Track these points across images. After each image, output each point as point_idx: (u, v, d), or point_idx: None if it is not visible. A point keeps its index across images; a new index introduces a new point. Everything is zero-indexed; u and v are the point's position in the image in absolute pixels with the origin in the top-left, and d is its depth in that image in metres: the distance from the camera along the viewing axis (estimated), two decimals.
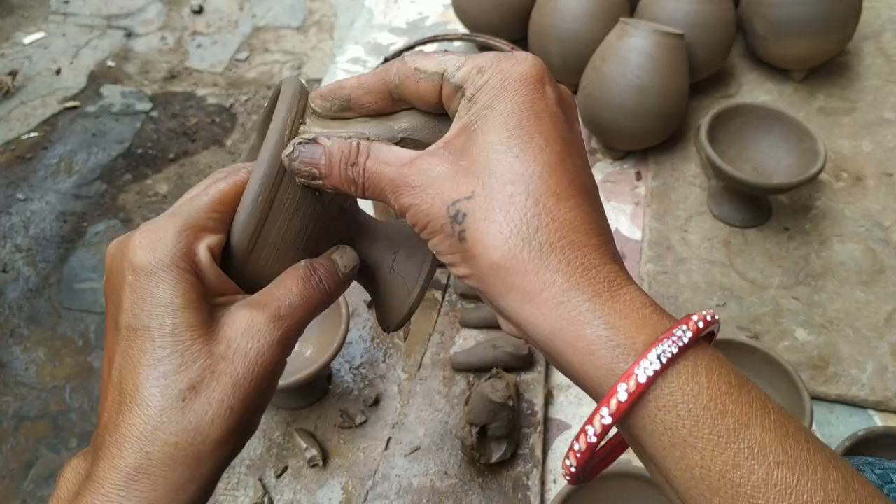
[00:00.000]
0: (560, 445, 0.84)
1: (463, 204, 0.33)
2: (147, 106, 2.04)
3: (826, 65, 1.22)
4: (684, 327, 0.30)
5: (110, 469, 0.33)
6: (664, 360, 0.29)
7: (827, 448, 0.30)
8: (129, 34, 2.26)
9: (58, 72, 2.13)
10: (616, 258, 0.33)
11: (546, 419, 0.85)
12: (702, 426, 0.29)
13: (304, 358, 0.82)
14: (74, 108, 2.04)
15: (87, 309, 1.59)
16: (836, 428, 0.88)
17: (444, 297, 0.95)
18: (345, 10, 2.30)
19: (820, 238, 1.03)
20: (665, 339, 0.29)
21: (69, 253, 1.69)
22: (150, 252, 0.34)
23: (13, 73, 2.11)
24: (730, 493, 0.28)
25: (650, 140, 1.09)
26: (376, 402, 0.85)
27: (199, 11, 2.32)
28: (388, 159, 0.35)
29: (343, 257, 0.40)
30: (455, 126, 0.35)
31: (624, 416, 0.30)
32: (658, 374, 0.29)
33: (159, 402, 0.33)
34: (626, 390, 0.29)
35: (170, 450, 0.33)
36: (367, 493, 0.79)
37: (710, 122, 0.99)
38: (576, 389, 0.88)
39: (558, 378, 0.89)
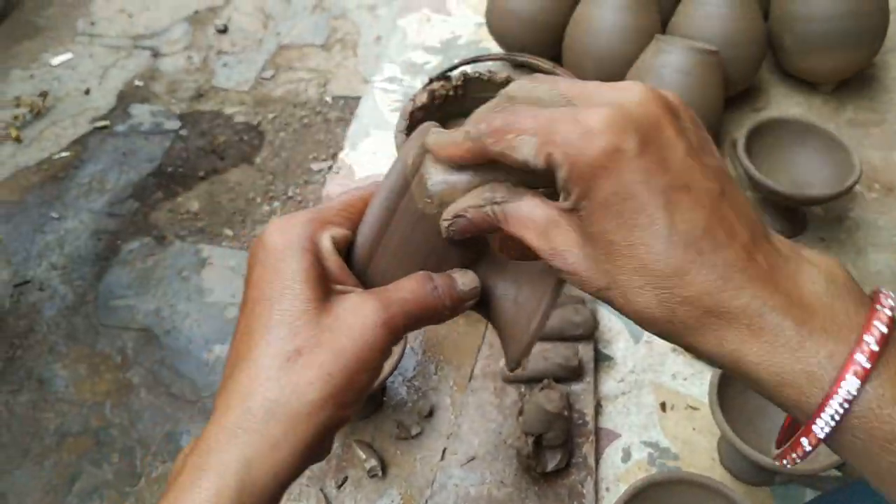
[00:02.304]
0: (611, 454, 0.86)
1: (604, 293, 0.34)
2: (176, 125, 2.07)
3: (854, 77, 1.24)
4: (877, 327, 0.31)
5: (215, 425, 0.36)
6: (853, 393, 0.30)
7: None
8: (156, 54, 2.30)
9: (87, 92, 2.17)
10: (765, 238, 0.34)
11: (597, 429, 0.87)
12: None
13: None
14: (104, 127, 2.07)
15: (125, 326, 1.62)
16: None
17: None
18: (367, 27, 2.34)
19: (855, 248, 1.05)
20: (857, 351, 0.30)
21: (104, 270, 1.72)
22: (281, 234, 0.39)
23: (43, 94, 2.15)
24: None
25: None
26: (430, 413, 0.88)
27: (224, 31, 2.36)
28: (525, 224, 0.36)
29: (463, 277, 0.41)
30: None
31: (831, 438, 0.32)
32: (854, 400, 0.30)
33: (266, 362, 0.36)
34: (823, 427, 0.31)
35: (269, 405, 0.35)
36: (426, 502, 0.81)
37: (746, 137, 1.01)
38: (624, 400, 0.91)
39: (607, 388, 0.92)
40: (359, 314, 0.37)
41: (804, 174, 1.04)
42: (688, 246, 0.32)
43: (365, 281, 0.41)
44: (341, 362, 0.36)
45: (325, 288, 0.38)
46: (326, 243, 0.39)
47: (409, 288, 0.39)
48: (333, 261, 0.40)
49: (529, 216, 0.36)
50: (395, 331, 0.38)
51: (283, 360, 0.36)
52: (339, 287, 0.39)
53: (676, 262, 0.32)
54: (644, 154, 0.32)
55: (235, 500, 0.34)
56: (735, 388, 0.82)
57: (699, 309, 0.32)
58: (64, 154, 1.99)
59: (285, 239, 0.39)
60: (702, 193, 0.33)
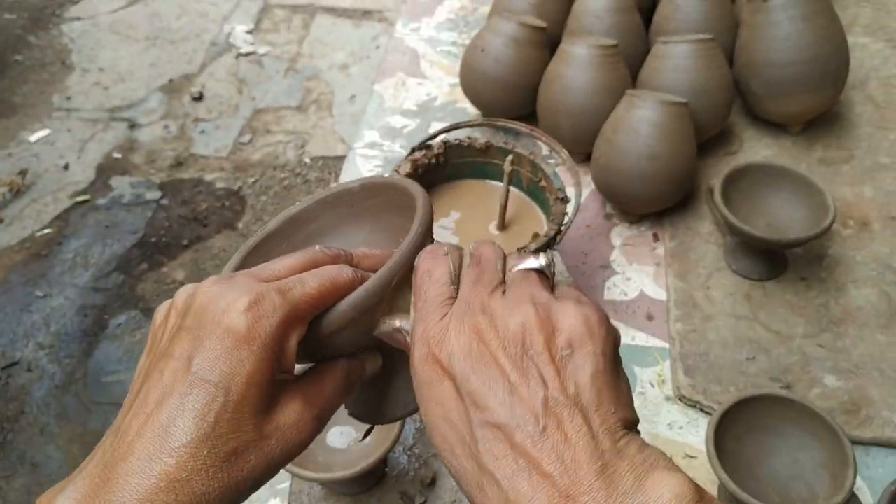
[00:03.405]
0: None
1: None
2: (156, 194, 2.09)
3: (821, 117, 1.28)
4: None
5: (131, 494, 0.34)
6: None
7: None
8: (133, 125, 2.33)
9: (66, 167, 2.18)
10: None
11: None
12: None
13: (364, 445, 0.85)
14: (85, 201, 2.09)
15: (117, 402, 1.61)
16: (874, 470, 0.91)
17: None
18: (341, 87, 2.38)
19: (836, 285, 1.07)
20: None
21: (93, 347, 1.72)
22: (253, 325, 0.38)
23: (22, 172, 2.16)
24: None
25: (664, 203, 1.14)
26: (433, 481, 0.88)
27: (200, 98, 2.39)
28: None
29: (372, 365, 0.46)
30: None
31: None
32: None
33: (205, 460, 0.36)
34: None
35: (192, 500, 0.35)
36: None
37: (721, 184, 1.04)
38: None
39: None
40: (298, 432, 0.40)
41: (781, 217, 1.07)
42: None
43: (306, 348, 0.43)
44: (270, 470, 0.39)
45: (272, 386, 0.39)
46: (292, 347, 0.40)
47: (337, 392, 0.44)
48: (291, 357, 0.40)
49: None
50: (322, 423, 0.42)
51: (221, 460, 0.36)
52: (281, 376, 0.40)
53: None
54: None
55: None
56: (732, 436, 0.83)
57: None
58: (46, 231, 2.00)
59: (257, 335, 0.38)
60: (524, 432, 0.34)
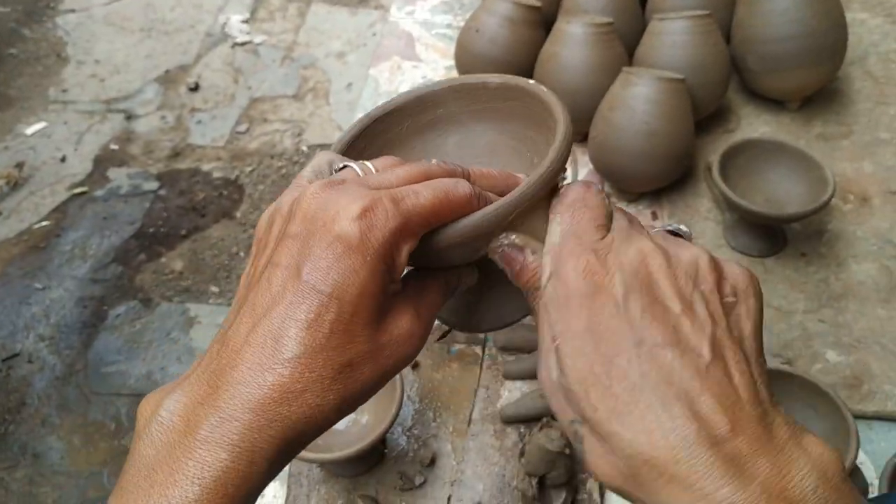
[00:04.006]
0: None
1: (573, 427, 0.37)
2: (154, 185, 2.08)
3: (819, 93, 1.27)
4: None
5: (242, 403, 0.34)
6: None
7: None
8: (130, 116, 2.31)
9: (63, 159, 2.17)
10: (759, 420, 0.33)
11: None
12: None
13: (362, 426, 0.85)
14: (83, 193, 2.07)
15: (117, 392, 1.61)
16: (877, 444, 0.90)
17: (484, 352, 0.98)
18: (338, 75, 2.36)
19: (836, 260, 1.07)
20: None
21: (92, 338, 1.71)
22: (365, 234, 0.35)
23: (19, 165, 2.15)
24: None
25: (662, 181, 1.13)
26: (432, 461, 0.88)
27: (196, 88, 2.38)
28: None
29: (467, 279, 0.45)
30: None
31: None
32: None
33: (320, 371, 0.35)
34: None
35: (307, 412, 0.35)
36: None
37: (720, 161, 1.03)
38: None
39: None
40: (411, 343, 0.39)
41: (780, 192, 1.06)
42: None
43: (418, 258, 0.41)
44: (384, 380, 0.38)
45: (384, 297, 0.38)
46: (403, 259, 0.38)
47: (438, 302, 0.42)
48: (401, 269, 0.38)
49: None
50: (428, 333, 0.41)
51: (336, 371, 0.35)
52: (392, 286, 0.39)
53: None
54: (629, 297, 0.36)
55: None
56: None
57: (663, 475, 0.32)
58: (44, 223, 1.99)
59: (369, 245, 0.35)
60: (687, 356, 0.34)
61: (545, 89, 0.47)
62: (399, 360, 0.39)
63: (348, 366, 0.36)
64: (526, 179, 0.41)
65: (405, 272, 0.42)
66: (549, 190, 0.42)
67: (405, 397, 0.93)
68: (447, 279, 0.44)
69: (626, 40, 1.21)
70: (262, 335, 0.35)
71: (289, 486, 0.87)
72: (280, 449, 0.34)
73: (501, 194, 0.41)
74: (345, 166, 0.42)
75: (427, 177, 0.40)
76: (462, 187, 0.39)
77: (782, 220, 1.00)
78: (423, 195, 0.38)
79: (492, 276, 0.46)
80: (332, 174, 0.42)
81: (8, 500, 1.46)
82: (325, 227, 0.36)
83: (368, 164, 0.42)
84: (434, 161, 0.43)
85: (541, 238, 0.41)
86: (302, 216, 0.37)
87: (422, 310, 0.41)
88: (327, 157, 0.44)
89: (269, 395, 0.34)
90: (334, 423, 0.37)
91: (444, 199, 0.38)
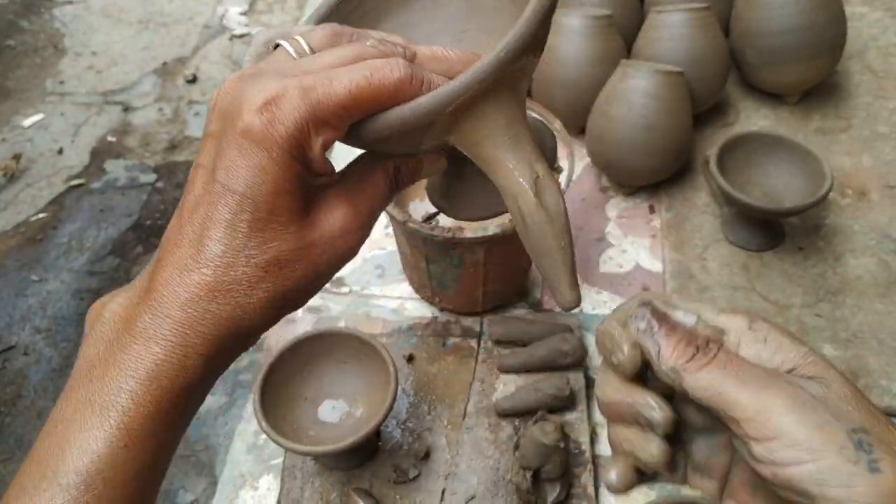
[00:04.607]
0: None
1: (864, 435, 0.33)
2: (151, 177, 2.07)
3: (818, 86, 1.26)
4: None
5: (171, 301, 0.34)
6: None
7: None
8: (127, 108, 2.31)
9: (60, 151, 2.17)
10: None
11: (594, 457, 0.87)
12: None
13: (356, 419, 0.84)
14: (80, 185, 2.07)
15: None
16: None
17: (479, 345, 0.97)
18: None
19: (834, 255, 1.06)
20: None
21: None
22: (268, 127, 0.33)
23: (16, 157, 2.15)
24: None
25: (660, 175, 1.12)
26: (427, 454, 0.87)
27: (193, 80, 2.37)
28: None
29: (432, 166, 0.42)
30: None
31: None
32: None
33: (244, 270, 0.35)
34: None
35: (236, 310, 0.35)
36: None
37: (717, 154, 1.03)
38: None
39: (601, 415, 0.92)
40: (346, 239, 0.38)
41: (777, 186, 1.05)
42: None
43: (355, 138, 0.37)
44: (320, 279, 0.38)
45: (305, 191, 0.36)
46: (316, 152, 0.35)
47: (383, 195, 0.40)
48: (319, 161, 0.36)
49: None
50: (369, 228, 0.40)
51: (261, 270, 0.35)
52: (319, 181, 0.37)
53: None
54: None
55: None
56: None
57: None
58: (41, 215, 1.99)
59: (273, 138, 0.33)
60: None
61: None
62: (334, 258, 0.38)
63: (275, 264, 0.35)
64: (475, 64, 0.34)
65: (360, 156, 0.40)
66: (510, 83, 0.36)
67: (400, 390, 0.93)
68: (392, 169, 0.40)
69: (624, 33, 1.20)
70: (187, 236, 0.35)
71: (282, 479, 0.87)
72: (214, 345, 0.35)
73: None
74: (278, 45, 0.39)
75: (358, 59, 0.36)
76: (392, 71, 0.34)
77: (780, 214, 0.99)
78: (339, 81, 0.34)
79: (461, 164, 0.42)
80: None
81: (3, 493, 1.46)
82: (233, 123, 0.34)
83: (301, 39, 0.38)
84: (370, 42, 0.37)
85: (487, 146, 0.37)
86: (217, 113, 0.36)
87: (360, 203, 0.38)
88: (265, 35, 0.40)
89: (195, 292, 0.34)
90: (272, 321, 0.37)
91: (364, 86, 0.34)
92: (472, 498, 0.84)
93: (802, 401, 0.34)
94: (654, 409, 0.39)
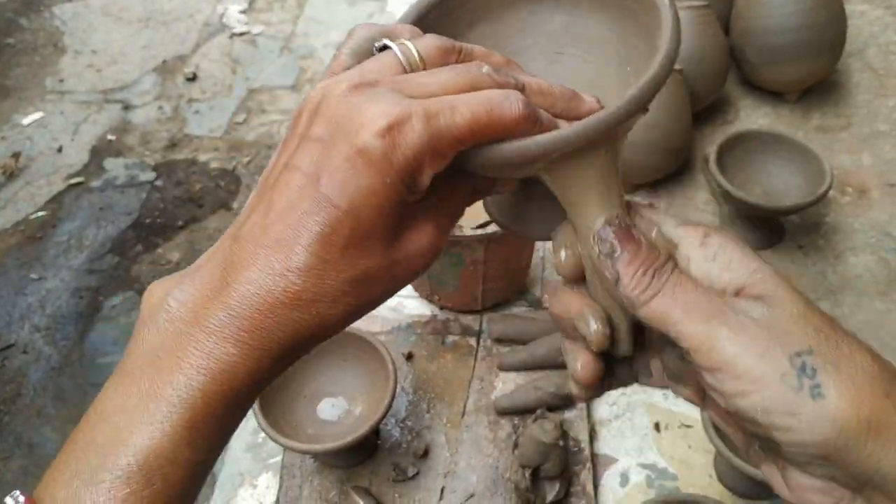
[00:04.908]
0: (609, 479, 0.86)
1: (808, 358, 0.32)
2: (151, 176, 2.07)
3: (818, 85, 1.26)
4: None
5: (253, 304, 0.33)
6: None
7: None
8: (127, 107, 2.31)
9: (59, 150, 2.17)
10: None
11: (593, 455, 0.87)
12: None
13: (355, 417, 0.84)
14: (79, 184, 2.07)
15: None
16: None
17: (479, 343, 0.97)
18: None
19: (834, 253, 1.06)
20: None
21: (88, 328, 1.71)
22: (388, 153, 0.33)
23: (16, 155, 2.15)
24: None
25: (660, 173, 1.12)
26: (426, 453, 0.87)
27: (193, 79, 2.37)
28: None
29: (503, 188, 0.42)
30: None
31: None
32: None
33: (332, 284, 0.34)
34: None
35: (317, 319, 0.34)
36: None
37: (717, 152, 1.03)
38: (618, 423, 0.91)
39: (600, 413, 0.92)
40: (425, 258, 0.37)
41: (777, 184, 1.05)
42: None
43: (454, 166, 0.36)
44: (395, 289, 0.37)
45: (400, 211, 0.35)
46: (425, 182, 0.35)
47: (460, 213, 0.40)
48: (422, 187, 0.35)
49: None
50: (441, 249, 0.39)
51: (349, 285, 0.34)
52: (411, 198, 0.36)
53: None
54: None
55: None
56: None
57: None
58: (40, 213, 1.99)
59: (388, 162, 0.33)
60: None
61: None
62: (410, 274, 0.38)
63: (362, 280, 0.35)
64: (593, 116, 0.34)
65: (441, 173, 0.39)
66: (616, 137, 0.36)
67: (399, 388, 0.93)
68: (472, 189, 0.40)
69: None
70: (276, 239, 0.34)
71: (281, 477, 0.86)
72: (287, 349, 0.34)
73: (556, 116, 0.36)
74: (385, 47, 0.37)
75: (473, 87, 0.35)
76: (511, 107, 0.34)
77: (780, 212, 0.99)
78: (461, 112, 0.33)
79: (532, 186, 0.41)
80: (373, 54, 0.38)
81: (3, 491, 1.46)
82: (348, 138, 0.33)
83: (410, 44, 0.36)
84: (486, 68, 0.36)
85: (578, 191, 0.37)
86: (327, 119, 0.34)
87: (443, 223, 0.38)
88: (368, 31, 0.38)
89: (280, 299, 0.33)
90: (343, 328, 0.37)
91: (484, 119, 0.34)
92: (472, 496, 0.83)
93: (744, 328, 0.33)
94: (588, 322, 0.38)
